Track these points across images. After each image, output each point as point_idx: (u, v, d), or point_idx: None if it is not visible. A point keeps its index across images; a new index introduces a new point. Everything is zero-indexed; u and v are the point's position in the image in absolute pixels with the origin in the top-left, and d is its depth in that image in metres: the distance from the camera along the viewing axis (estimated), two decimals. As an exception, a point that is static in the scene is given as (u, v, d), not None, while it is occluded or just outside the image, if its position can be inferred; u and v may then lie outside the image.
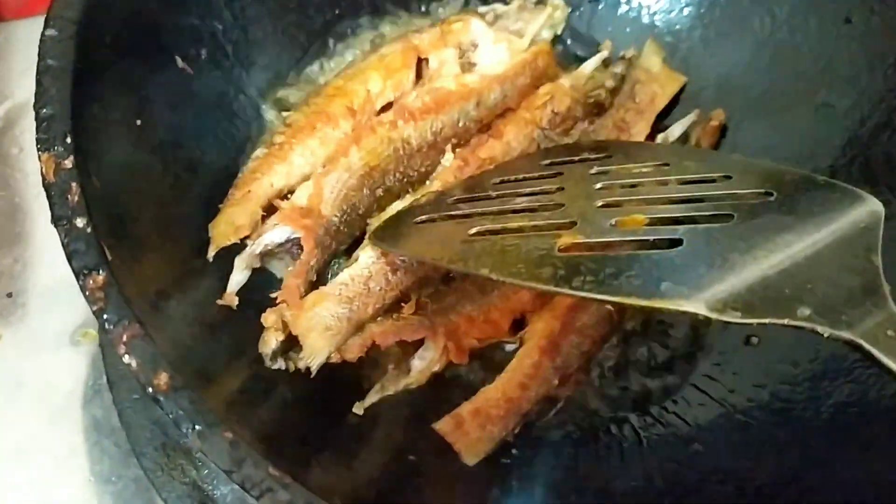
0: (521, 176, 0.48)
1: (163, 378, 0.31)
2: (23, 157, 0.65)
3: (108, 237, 0.34)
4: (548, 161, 0.50)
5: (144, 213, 0.42)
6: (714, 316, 0.32)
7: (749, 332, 0.51)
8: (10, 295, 0.59)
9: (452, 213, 0.45)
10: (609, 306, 0.51)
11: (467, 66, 0.58)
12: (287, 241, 0.48)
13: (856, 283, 0.33)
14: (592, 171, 0.46)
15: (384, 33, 0.61)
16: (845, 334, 0.31)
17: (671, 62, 0.60)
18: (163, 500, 0.49)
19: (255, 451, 0.30)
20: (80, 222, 0.33)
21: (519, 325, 0.51)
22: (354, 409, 0.46)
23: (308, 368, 0.45)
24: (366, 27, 0.61)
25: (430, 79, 0.56)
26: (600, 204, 0.42)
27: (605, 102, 0.58)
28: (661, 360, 0.52)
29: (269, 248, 0.48)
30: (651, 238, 0.38)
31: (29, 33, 0.70)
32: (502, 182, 0.48)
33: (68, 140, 0.35)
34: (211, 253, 0.46)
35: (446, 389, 0.50)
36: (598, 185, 0.44)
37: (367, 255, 0.48)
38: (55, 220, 0.33)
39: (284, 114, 0.55)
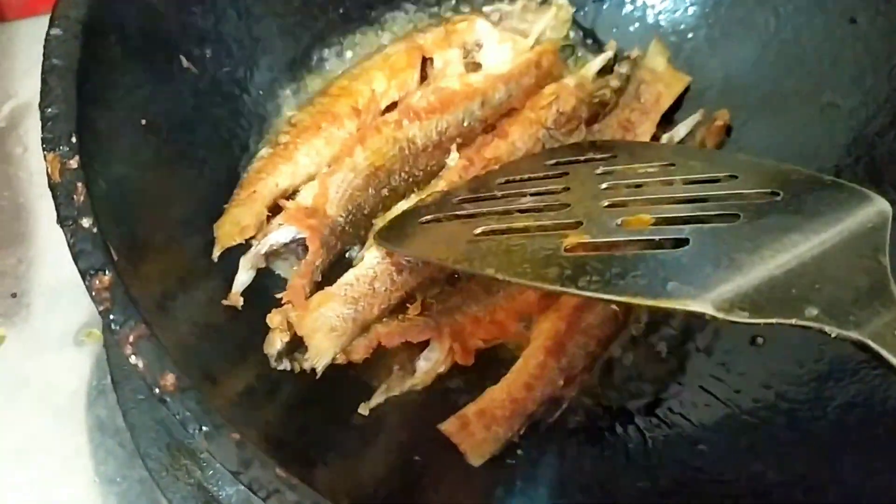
0: (526, 176, 0.48)
1: (169, 379, 0.30)
2: (27, 157, 0.65)
3: (114, 237, 0.34)
4: (553, 161, 0.50)
5: (149, 213, 0.42)
6: (721, 316, 0.32)
7: (754, 332, 0.50)
8: (14, 295, 0.59)
9: (458, 213, 0.45)
10: (615, 307, 0.50)
11: (472, 66, 0.58)
12: (292, 241, 0.48)
13: (864, 283, 0.33)
14: (598, 171, 0.46)
15: (390, 33, 0.61)
16: (853, 334, 0.31)
17: (676, 62, 0.60)
18: (168, 501, 0.49)
19: (262, 452, 0.30)
20: (85, 222, 0.33)
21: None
22: (360, 410, 0.46)
23: (313, 369, 0.45)
24: (370, 26, 0.61)
25: (435, 78, 0.56)
26: (606, 204, 0.42)
27: (609, 102, 0.58)
28: (666, 361, 0.52)
29: (275, 248, 0.48)
30: (657, 238, 0.38)
31: (32, 33, 0.70)
32: (508, 182, 0.48)
33: (73, 140, 0.35)
34: (216, 253, 0.46)
35: (452, 390, 0.49)
36: (604, 185, 0.44)
37: (372, 256, 0.48)
38: (61, 221, 0.33)
39: (289, 113, 0.55)
